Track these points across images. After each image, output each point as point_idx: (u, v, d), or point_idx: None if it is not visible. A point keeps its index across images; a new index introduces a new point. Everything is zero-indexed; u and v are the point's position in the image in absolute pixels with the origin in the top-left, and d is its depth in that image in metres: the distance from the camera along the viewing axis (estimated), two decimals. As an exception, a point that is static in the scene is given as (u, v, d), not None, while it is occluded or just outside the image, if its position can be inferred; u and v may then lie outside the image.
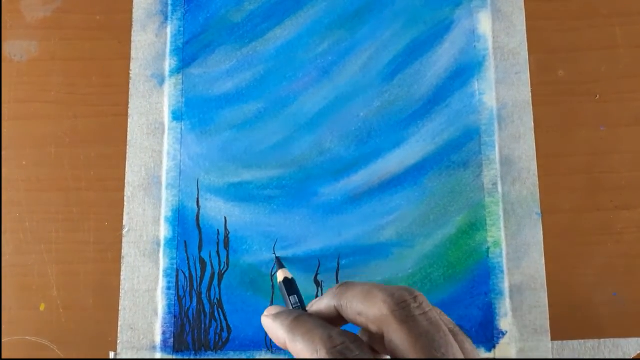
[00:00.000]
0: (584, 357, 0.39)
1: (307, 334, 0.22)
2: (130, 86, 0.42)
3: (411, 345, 0.20)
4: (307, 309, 0.26)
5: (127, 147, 0.41)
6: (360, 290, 0.23)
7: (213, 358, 0.39)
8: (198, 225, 0.41)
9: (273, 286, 0.40)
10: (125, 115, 0.42)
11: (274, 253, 0.40)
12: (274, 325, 0.24)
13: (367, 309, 0.22)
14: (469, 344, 0.22)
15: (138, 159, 0.41)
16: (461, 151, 0.41)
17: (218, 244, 0.40)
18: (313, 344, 0.21)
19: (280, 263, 0.38)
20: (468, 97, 0.42)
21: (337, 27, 0.43)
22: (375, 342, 0.24)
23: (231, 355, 0.39)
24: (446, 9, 0.43)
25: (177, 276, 0.40)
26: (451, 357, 0.20)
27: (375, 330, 0.22)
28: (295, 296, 0.34)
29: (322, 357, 0.21)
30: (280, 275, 0.36)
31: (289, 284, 0.35)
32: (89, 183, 0.41)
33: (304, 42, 0.43)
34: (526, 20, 0.42)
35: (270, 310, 0.25)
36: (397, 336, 0.21)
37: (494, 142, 0.41)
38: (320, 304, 0.25)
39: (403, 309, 0.21)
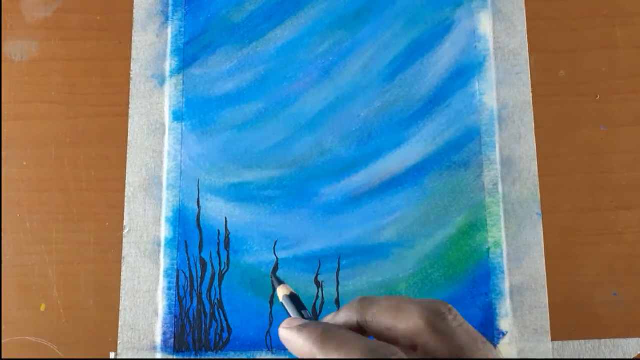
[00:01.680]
0: (585, 357, 0.39)
1: (342, 346, 0.21)
2: (131, 86, 0.42)
3: (453, 356, 0.20)
4: None
5: (128, 147, 0.41)
6: (387, 305, 0.23)
7: (213, 358, 0.39)
8: (199, 225, 0.41)
9: (273, 286, 0.40)
10: (125, 115, 0.42)
11: (271, 274, 0.39)
12: (299, 339, 0.22)
13: (398, 322, 0.22)
14: (495, 353, 0.22)
15: (139, 159, 0.41)
16: (462, 151, 0.41)
17: (219, 244, 0.40)
18: (350, 355, 0.21)
19: (278, 280, 0.36)
20: (469, 98, 0.42)
21: (337, 27, 0.43)
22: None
23: (231, 355, 0.39)
24: (447, 9, 0.43)
25: (177, 276, 0.40)
26: None
27: (407, 344, 0.22)
28: (308, 311, 0.31)
29: None
30: (284, 291, 0.32)
31: (296, 299, 0.32)
32: (89, 183, 0.41)
33: (304, 43, 0.43)
34: (527, 20, 0.42)
35: (291, 323, 0.24)
36: (438, 348, 0.21)
37: (495, 143, 0.41)
38: (338, 319, 0.24)
39: (442, 322, 0.21)
